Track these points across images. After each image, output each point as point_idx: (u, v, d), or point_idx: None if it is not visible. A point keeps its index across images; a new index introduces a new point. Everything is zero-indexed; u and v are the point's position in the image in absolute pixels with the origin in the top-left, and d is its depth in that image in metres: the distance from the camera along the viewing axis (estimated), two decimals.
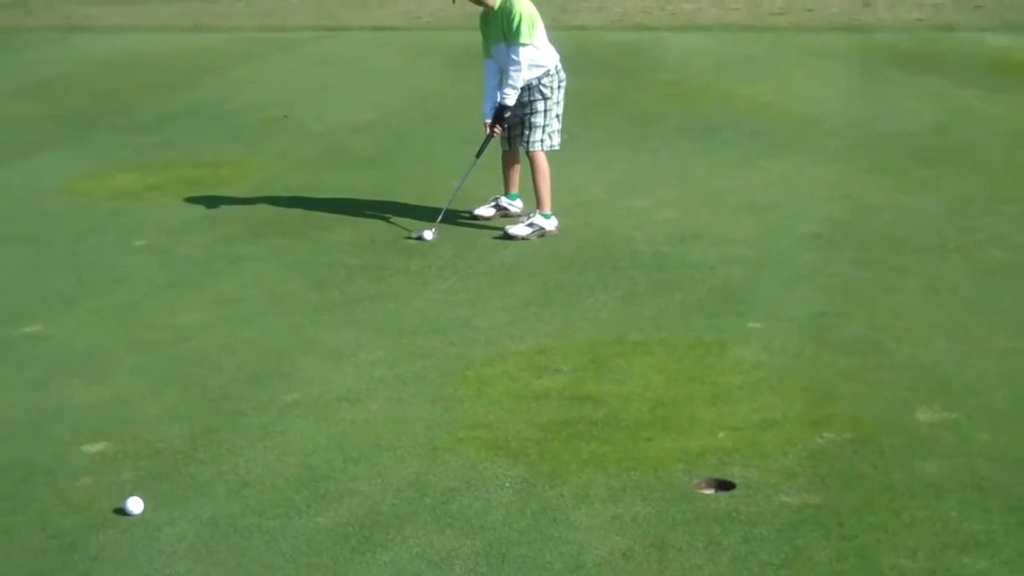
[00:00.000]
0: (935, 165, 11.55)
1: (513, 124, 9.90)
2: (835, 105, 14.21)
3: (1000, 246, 9.25)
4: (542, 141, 9.82)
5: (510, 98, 9.66)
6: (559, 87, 9.84)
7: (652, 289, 8.57)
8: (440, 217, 9.83)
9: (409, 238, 9.69)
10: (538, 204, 9.83)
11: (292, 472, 6.15)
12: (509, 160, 10.22)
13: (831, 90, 15.04)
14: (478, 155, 10.03)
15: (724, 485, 5.90)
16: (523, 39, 9.52)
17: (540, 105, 9.77)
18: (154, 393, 7.12)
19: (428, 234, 9.64)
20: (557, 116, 9.88)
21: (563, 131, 9.97)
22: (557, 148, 9.93)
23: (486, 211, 10.22)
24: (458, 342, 7.74)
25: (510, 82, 9.63)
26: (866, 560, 5.24)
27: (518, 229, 9.72)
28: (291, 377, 7.29)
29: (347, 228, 10.07)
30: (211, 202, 10.89)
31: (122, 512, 5.78)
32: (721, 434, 6.38)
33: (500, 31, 9.62)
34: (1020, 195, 10.54)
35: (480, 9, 9.79)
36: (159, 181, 11.74)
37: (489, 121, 9.81)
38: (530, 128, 9.81)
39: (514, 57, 9.56)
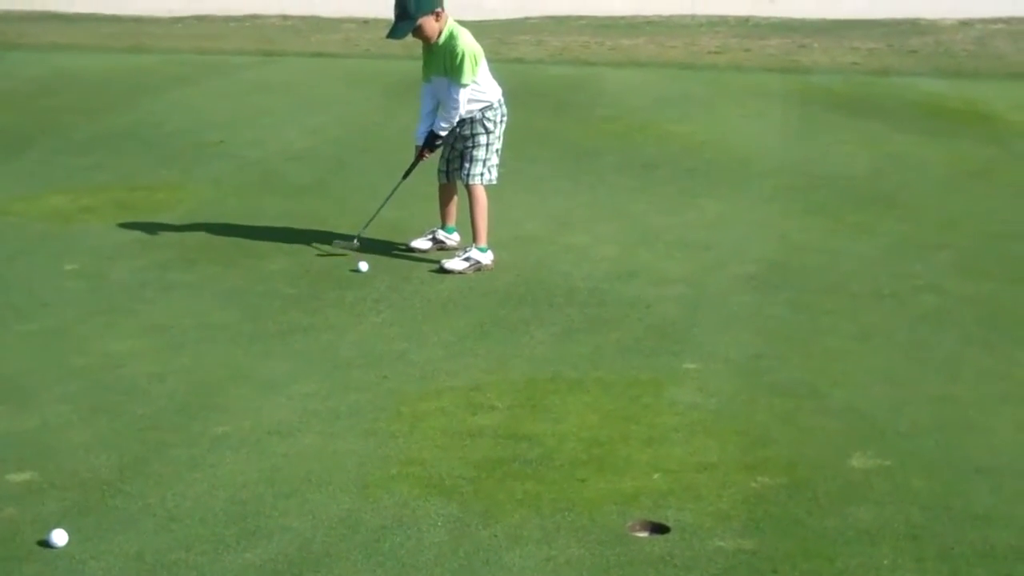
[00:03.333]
0: (870, 209, 11.64)
1: (452, 158, 9.88)
2: (771, 145, 14.30)
3: (934, 292, 9.32)
4: (481, 175, 9.80)
5: (443, 131, 9.67)
6: (501, 121, 9.83)
7: (589, 326, 8.55)
8: (360, 231, 9.90)
9: (354, 271, 9.59)
10: (474, 238, 9.79)
11: (221, 506, 6.05)
12: (446, 193, 10.18)
13: (767, 130, 15.13)
14: (404, 176, 10.00)
15: (658, 528, 5.87)
16: (464, 79, 9.50)
17: (482, 139, 9.75)
18: (82, 421, 6.99)
19: (363, 265, 9.57)
20: (497, 151, 9.87)
21: (501, 165, 9.95)
22: (495, 183, 9.90)
23: (422, 244, 10.17)
24: (392, 376, 7.67)
25: (446, 115, 9.62)
26: None
27: (454, 263, 9.67)
28: (222, 408, 7.19)
29: (282, 257, 9.98)
30: (144, 227, 10.76)
31: (46, 544, 5.65)
32: (656, 476, 6.35)
33: (442, 65, 9.60)
34: (953, 241, 10.64)
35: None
36: (92, 204, 11.59)
37: (420, 144, 9.78)
38: (471, 161, 9.78)
39: (453, 95, 9.54)
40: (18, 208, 11.49)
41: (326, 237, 10.39)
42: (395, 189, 10.04)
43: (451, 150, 9.86)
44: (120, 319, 8.69)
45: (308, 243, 10.27)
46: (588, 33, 23.79)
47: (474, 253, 9.72)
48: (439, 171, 10.01)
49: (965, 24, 24.01)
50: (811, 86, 18.15)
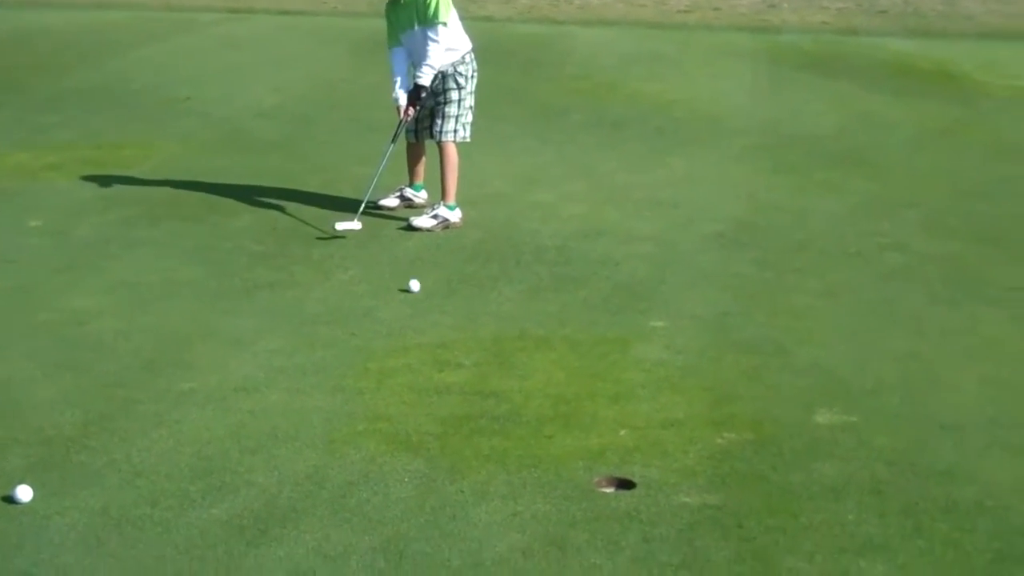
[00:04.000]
0: (838, 168, 11.67)
1: (422, 116, 9.80)
2: (740, 105, 14.31)
3: (900, 250, 9.36)
4: (455, 131, 9.73)
5: (426, 78, 9.53)
6: (473, 76, 9.76)
7: (556, 284, 8.55)
8: (361, 209, 9.57)
9: (327, 237, 9.36)
10: (443, 195, 9.75)
11: (187, 462, 6.03)
12: (415, 152, 10.12)
13: (736, 89, 15.14)
14: (393, 141, 9.86)
15: (624, 484, 5.88)
16: (441, 17, 9.41)
17: (454, 95, 9.68)
18: (46, 378, 6.95)
19: (415, 285, 8.38)
20: (470, 107, 9.79)
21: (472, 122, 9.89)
22: (468, 140, 9.84)
23: (390, 201, 10.12)
24: (360, 333, 7.66)
25: (427, 62, 9.48)
26: (764, 562, 5.26)
27: (422, 220, 9.64)
28: (188, 365, 7.16)
29: (249, 214, 9.94)
30: (110, 184, 10.68)
31: (10, 500, 5.62)
32: (622, 432, 6.37)
33: (413, 16, 9.49)
34: (920, 200, 10.68)
35: None
36: (57, 161, 11.50)
37: (402, 104, 9.67)
38: (443, 118, 9.71)
39: (432, 36, 9.42)
40: None
41: (293, 195, 10.34)
42: (385, 156, 9.80)
43: (421, 109, 9.76)
44: (85, 276, 8.64)
45: (274, 201, 10.20)
46: None
47: (442, 211, 9.69)
48: (408, 130, 9.92)
49: None
50: (780, 45, 18.16)
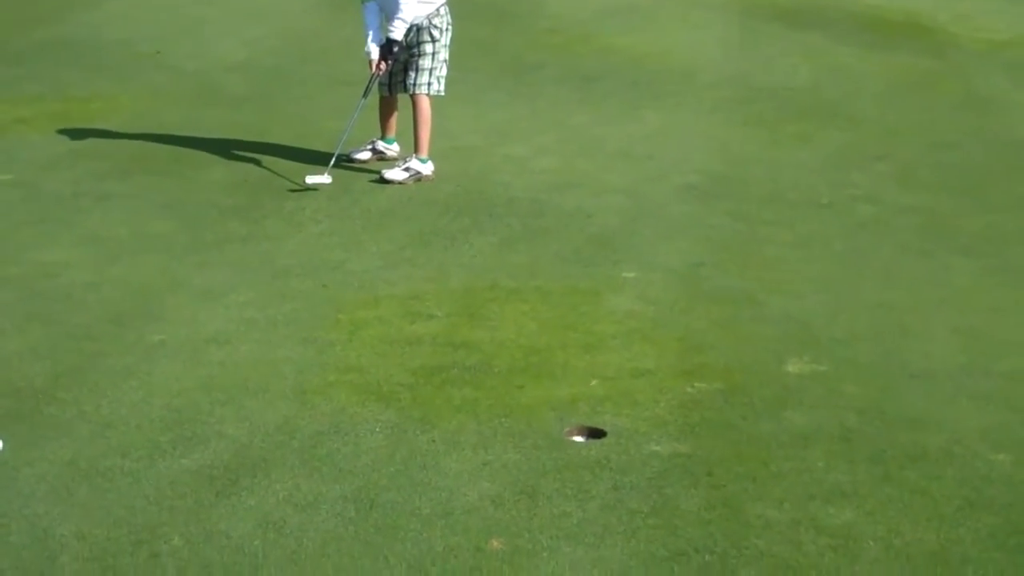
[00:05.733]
0: (810, 120, 11.67)
1: (396, 70, 9.72)
2: (713, 58, 14.26)
3: (871, 202, 9.39)
4: (428, 84, 9.65)
5: (398, 32, 9.43)
6: (447, 29, 9.67)
7: (528, 236, 8.54)
8: (332, 163, 9.50)
9: (299, 190, 9.30)
10: (416, 148, 9.71)
11: (157, 413, 6.03)
12: (387, 105, 10.06)
13: (710, 43, 15.07)
14: (365, 95, 9.79)
15: (595, 433, 5.91)
16: None
17: (428, 48, 9.60)
18: (16, 330, 6.93)
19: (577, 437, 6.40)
20: (445, 60, 9.71)
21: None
22: (443, 94, 9.78)
23: (362, 154, 10.07)
24: (331, 285, 7.65)
25: (399, 16, 9.37)
26: (733, 509, 5.29)
27: (394, 173, 9.60)
28: (158, 317, 7.14)
29: (220, 168, 9.87)
30: (80, 137, 10.59)
31: None
32: (593, 382, 6.38)
33: None
34: (891, 152, 10.70)
35: None
36: (26, 115, 11.39)
37: (375, 58, 9.60)
38: (416, 71, 9.63)
39: None
40: None
41: (264, 148, 10.28)
42: (357, 110, 9.73)
43: (395, 62, 9.69)
44: (55, 229, 8.59)
45: (246, 154, 10.14)
46: None
47: (414, 163, 9.65)
48: (380, 83, 9.84)
49: None
50: None
